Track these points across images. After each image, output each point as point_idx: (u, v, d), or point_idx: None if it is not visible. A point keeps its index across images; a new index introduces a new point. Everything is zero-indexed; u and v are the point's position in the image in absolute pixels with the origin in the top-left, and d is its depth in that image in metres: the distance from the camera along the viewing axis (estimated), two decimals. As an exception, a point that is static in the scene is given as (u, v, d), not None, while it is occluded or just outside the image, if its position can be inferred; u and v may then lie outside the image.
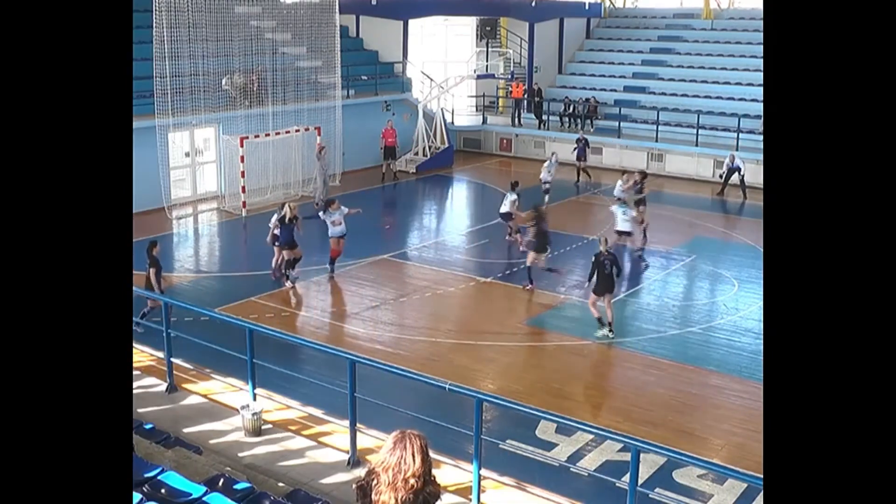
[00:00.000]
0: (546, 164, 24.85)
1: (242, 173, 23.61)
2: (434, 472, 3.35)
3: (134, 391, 9.69)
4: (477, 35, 37.41)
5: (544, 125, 33.54)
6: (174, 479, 6.47)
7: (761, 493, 9.61)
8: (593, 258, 14.99)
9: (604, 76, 35.90)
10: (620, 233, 19.33)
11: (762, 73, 33.54)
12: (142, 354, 11.67)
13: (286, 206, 17.56)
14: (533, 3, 36.89)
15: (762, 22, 33.98)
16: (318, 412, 10.45)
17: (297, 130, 25.32)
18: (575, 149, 28.10)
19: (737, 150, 27.72)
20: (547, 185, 24.48)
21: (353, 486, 3.34)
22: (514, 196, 20.08)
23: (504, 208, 20.29)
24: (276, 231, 17.23)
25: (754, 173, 26.23)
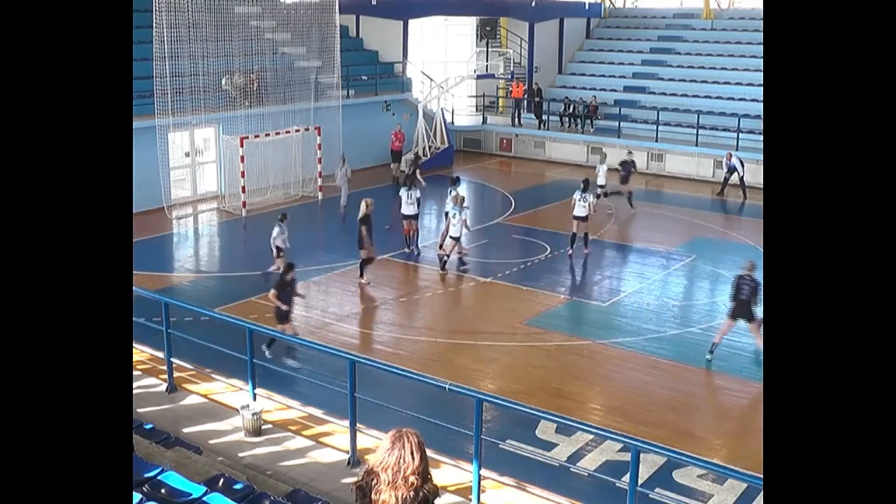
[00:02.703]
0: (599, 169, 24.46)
1: (242, 173, 23.61)
2: (434, 471, 3.35)
3: (134, 391, 9.69)
4: (477, 35, 37.41)
5: (544, 125, 33.55)
6: (174, 479, 6.46)
7: (761, 493, 9.62)
8: (735, 278, 13.89)
9: (604, 76, 35.89)
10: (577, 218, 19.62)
11: (762, 73, 33.29)
12: (142, 354, 11.67)
13: (363, 202, 17.97)
14: (533, 3, 36.88)
15: (762, 22, 34.01)
16: (318, 412, 10.45)
17: (297, 130, 25.33)
18: (620, 171, 24.74)
19: (737, 149, 27.71)
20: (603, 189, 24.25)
21: (352, 486, 3.34)
22: None
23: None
24: (280, 243, 17.32)
25: (754, 173, 26.23)
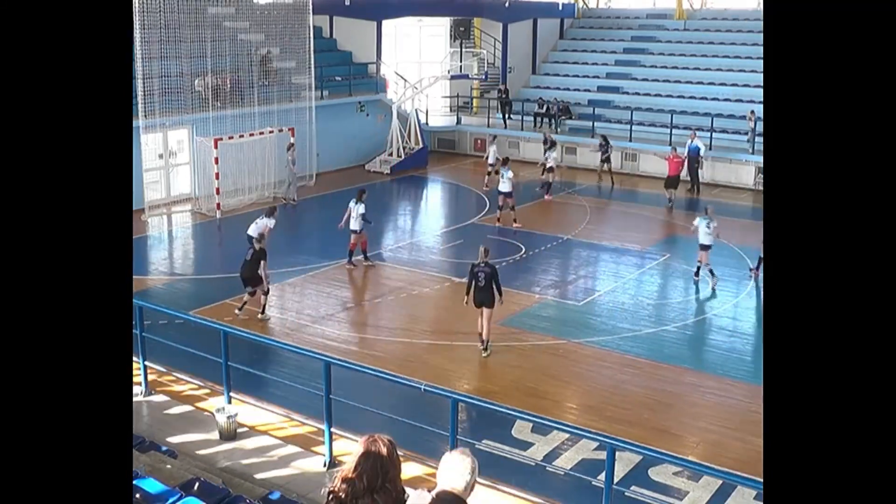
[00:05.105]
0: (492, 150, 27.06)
1: (217, 175, 23.49)
2: (409, 473, 3.37)
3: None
4: (451, 35, 37.42)
5: (518, 126, 33.53)
6: (149, 484, 6.42)
7: (736, 489, 9.71)
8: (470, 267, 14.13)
9: (577, 76, 36.03)
10: (703, 246, 18.17)
11: (736, 73, 33.44)
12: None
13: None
14: (506, 4, 36.94)
15: (744, 22, 34.28)
16: (293, 414, 10.42)
17: (272, 132, 25.24)
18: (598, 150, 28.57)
19: (710, 149, 27.82)
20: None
21: (326, 492, 3.34)
22: None
23: None
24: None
25: (737, 172, 26.35)
